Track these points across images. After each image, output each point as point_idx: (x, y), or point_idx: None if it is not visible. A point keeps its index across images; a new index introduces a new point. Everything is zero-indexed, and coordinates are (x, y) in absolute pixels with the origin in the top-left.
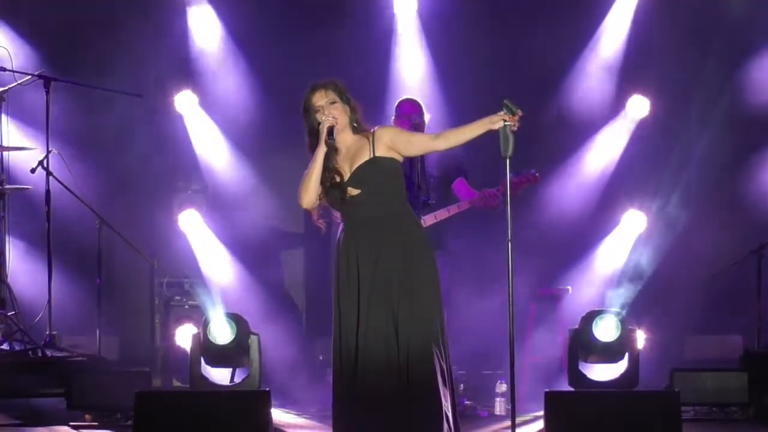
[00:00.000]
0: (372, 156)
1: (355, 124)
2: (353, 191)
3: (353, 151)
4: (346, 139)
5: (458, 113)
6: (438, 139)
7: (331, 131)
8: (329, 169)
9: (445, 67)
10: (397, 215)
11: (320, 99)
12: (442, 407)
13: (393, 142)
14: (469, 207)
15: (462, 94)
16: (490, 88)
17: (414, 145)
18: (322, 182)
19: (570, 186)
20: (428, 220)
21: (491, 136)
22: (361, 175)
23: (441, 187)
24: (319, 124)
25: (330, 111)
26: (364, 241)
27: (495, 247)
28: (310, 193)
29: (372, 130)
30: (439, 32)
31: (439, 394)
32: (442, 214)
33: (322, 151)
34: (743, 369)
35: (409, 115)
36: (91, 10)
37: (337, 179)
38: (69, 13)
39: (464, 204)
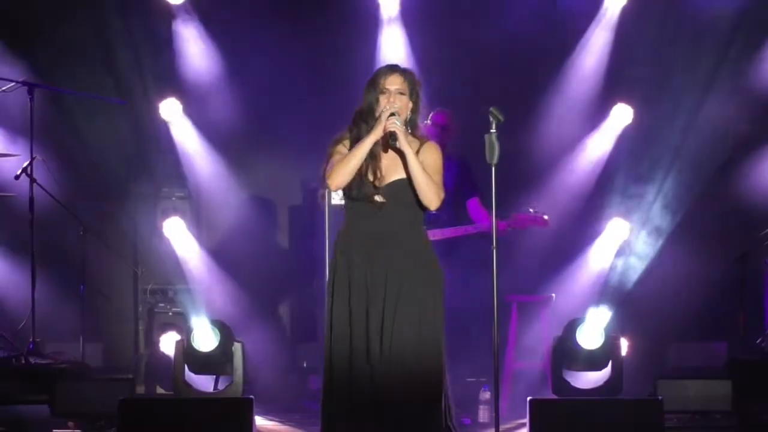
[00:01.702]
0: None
1: (409, 127)
2: (380, 198)
3: (399, 157)
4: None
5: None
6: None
7: (394, 134)
8: (371, 161)
9: (430, 67)
10: (411, 231)
11: (393, 83)
12: (443, 416)
13: (422, 164)
14: (476, 233)
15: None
16: (472, 96)
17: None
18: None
19: (554, 194)
20: (435, 234)
21: (480, 145)
22: (396, 188)
23: (453, 204)
24: (376, 109)
25: (394, 99)
26: (375, 250)
27: (478, 254)
28: (345, 176)
29: (423, 142)
30: (423, 33)
31: (444, 407)
32: (449, 232)
33: (372, 139)
34: (727, 377)
35: (445, 126)
36: (75, 17)
37: (371, 178)
38: (53, 20)
39: (472, 228)
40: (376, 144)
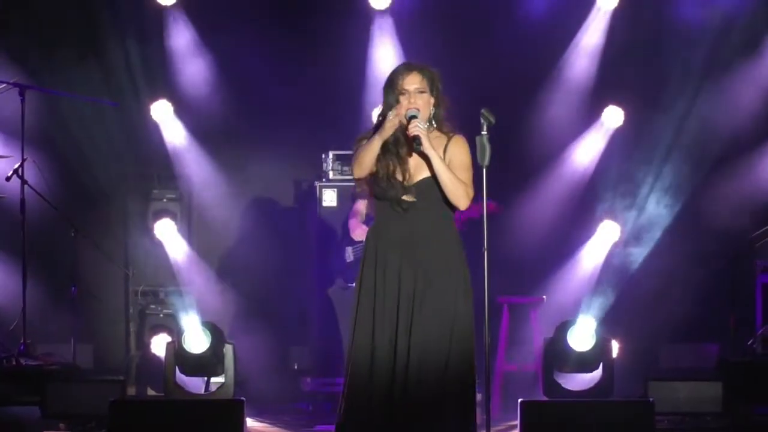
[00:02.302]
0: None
1: (434, 122)
2: (409, 198)
3: (423, 158)
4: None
5: None
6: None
7: (417, 138)
8: (398, 161)
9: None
10: (442, 229)
11: (412, 82)
12: (476, 421)
13: (449, 161)
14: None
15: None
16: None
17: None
18: (377, 172)
19: (546, 195)
20: None
21: (470, 144)
22: (424, 187)
23: None
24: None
25: (415, 99)
26: (405, 250)
27: (470, 254)
28: (364, 169)
29: (450, 136)
30: (414, 34)
31: (476, 407)
32: None
33: (385, 134)
34: (718, 378)
35: None
36: (66, 18)
37: (399, 178)
38: (43, 23)
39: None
40: (401, 145)
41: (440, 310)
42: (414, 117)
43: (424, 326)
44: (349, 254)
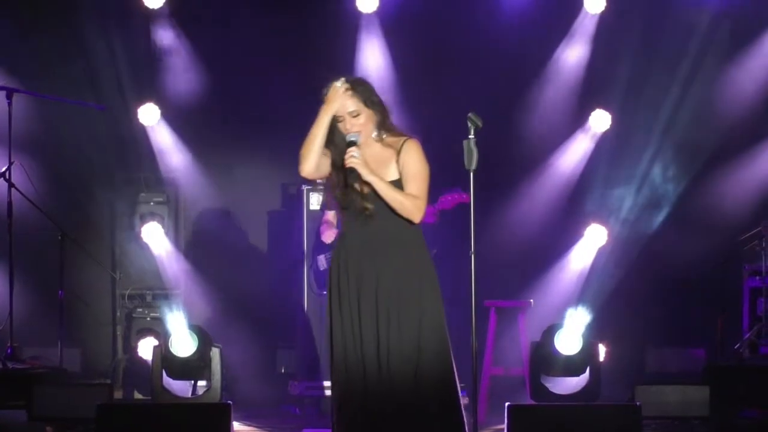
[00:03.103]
0: (398, 177)
1: (383, 132)
2: (369, 205)
3: (378, 161)
4: (371, 148)
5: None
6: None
7: (353, 170)
8: (347, 172)
9: (409, 71)
10: (403, 235)
11: (345, 107)
12: (463, 418)
13: (402, 169)
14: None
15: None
16: (450, 101)
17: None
18: (335, 185)
19: (533, 199)
20: None
21: (457, 148)
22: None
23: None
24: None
25: (352, 124)
26: (367, 256)
27: (456, 258)
28: (310, 161)
29: (402, 141)
30: (401, 38)
31: (461, 404)
32: None
33: (326, 117)
34: (705, 382)
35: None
36: (54, 22)
37: (357, 188)
38: (31, 26)
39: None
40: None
41: (407, 313)
42: (352, 143)
43: (392, 332)
44: (322, 262)
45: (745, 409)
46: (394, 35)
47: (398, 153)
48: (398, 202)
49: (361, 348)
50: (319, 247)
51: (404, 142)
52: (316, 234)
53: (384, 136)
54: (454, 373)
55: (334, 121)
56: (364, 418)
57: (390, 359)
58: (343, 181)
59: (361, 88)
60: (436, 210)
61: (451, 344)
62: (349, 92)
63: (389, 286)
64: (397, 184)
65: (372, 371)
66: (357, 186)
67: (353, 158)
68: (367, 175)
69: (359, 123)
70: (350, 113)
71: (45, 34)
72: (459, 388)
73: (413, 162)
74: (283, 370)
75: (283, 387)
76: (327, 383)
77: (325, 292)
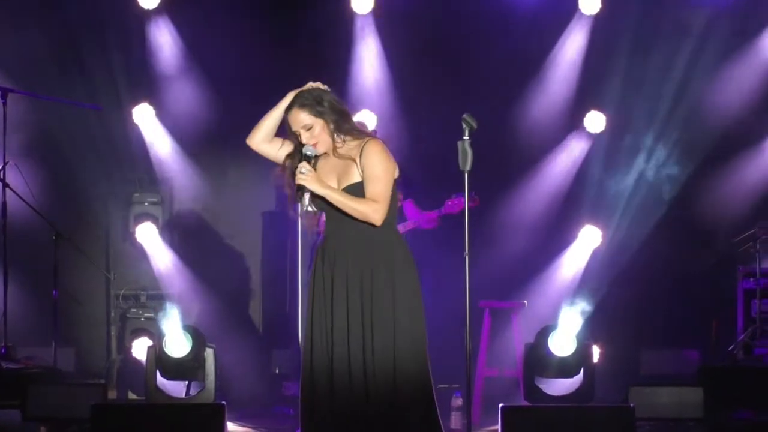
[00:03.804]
0: (360, 179)
1: (342, 136)
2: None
3: (341, 167)
4: (330, 157)
5: (413, 123)
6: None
7: (302, 188)
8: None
9: (402, 75)
10: (380, 234)
11: (297, 123)
12: (439, 420)
13: (362, 171)
14: (414, 227)
15: (418, 105)
16: (445, 102)
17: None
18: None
19: (527, 200)
20: None
21: (452, 149)
22: (350, 194)
23: None
24: (302, 145)
25: (309, 137)
26: (345, 259)
27: (451, 259)
28: (255, 135)
29: (363, 143)
30: (396, 37)
31: (436, 406)
32: None
33: (281, 107)
34: (699, 384)
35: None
36: (48, 21)
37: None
38: (27, 26)
39: (409, 224)
40: (328, 164)
41: (381, 314)
42: (306, 157)
43: (366, 332)
44: None
45: (739, 410)
46: (389, 37)
47: (360, 155)
48: (351, 209)
49: (331, 350)
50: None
51: (365, 144)
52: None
53: (345, 139)
54: (429, 374)
55: (296, 139)
56: (334, 419)
57: (365, 360)
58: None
59: (309, 101)
60: (440, 214)
61: (428, 345)
62: (298, 108)
63: (361, 289)
64: (360, 187)
65: (342, 373)
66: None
67: (301, 175)
68: (318, 190)
69: (315, 134)
70: (303, 127)
71: (40, 34)
72: (434, 390)
73: (372, 164)
74: (277, 371)
75: (278, 387)
76: None
77: None
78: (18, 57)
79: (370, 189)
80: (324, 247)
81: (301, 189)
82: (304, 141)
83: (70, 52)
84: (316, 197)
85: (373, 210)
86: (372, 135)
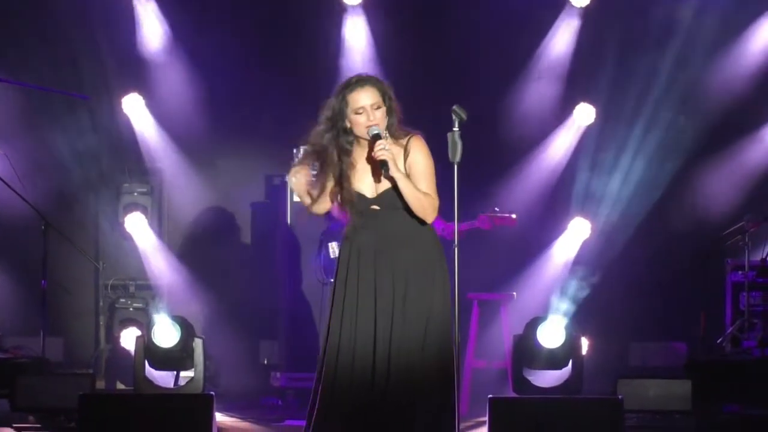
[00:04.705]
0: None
1: (386, 134)
2: (375, 207)
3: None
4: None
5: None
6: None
7: (385, 164)
8: (364, 176)
9: (392, 61)
10: (413, 232)
11: (368, 98)
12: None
13: (409, 167)
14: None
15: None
16: (435, 93)
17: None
18: (340, 182)
19: (516, 192)
20: None
21: (441, 141)
22: (388, 197)
23: None
24: (350, 128)
25: (374, 116)
26: (380, 255)
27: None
28: (309, 206)
29: (408, 139)
30: (386, 26)
31: (455, 404)
32: None
33: (293, 181)
34: (687, 377)
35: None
36: (36, 10)
37: (363, 192)
38: (13, 16)
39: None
40: (364, 159)
41: (416, 312)
42: (378, 136)
43: (401, 328)
44: (334, 250)
45: (726, 403)
46: (379, 28)
47: (405, 150)
48: (418, 200)
49: (367, 341)
50: (329, 234)
51: (410, 139)
52: (329, 220)
53: (388, 137)
54: (453, 373)
55: (343, 122)
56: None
57: (392, 356)
58: (348, 185)
59: (382, 84)
60: (468, 228)
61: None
62: (373, 85)
63: (401, 286)
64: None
65: (380, 368)
66: (364, 190)
67: (384, 150)
68: (394, 171)
69: (378, 117)
70: (372, 105)
71: (27, 22)
72: (456, 390)
73: (423, 160)
74: (265, 362)
75: (266, 378)
76: (309, 375)
77: (332, 280)
78: (5, 45)
79: (425, 185)
80: (358, 242)
81: (385, 165)
82: (362, 121)
83: (59, 41)
84: (350, 195)
85: (432, 206)
86: (414, 132)
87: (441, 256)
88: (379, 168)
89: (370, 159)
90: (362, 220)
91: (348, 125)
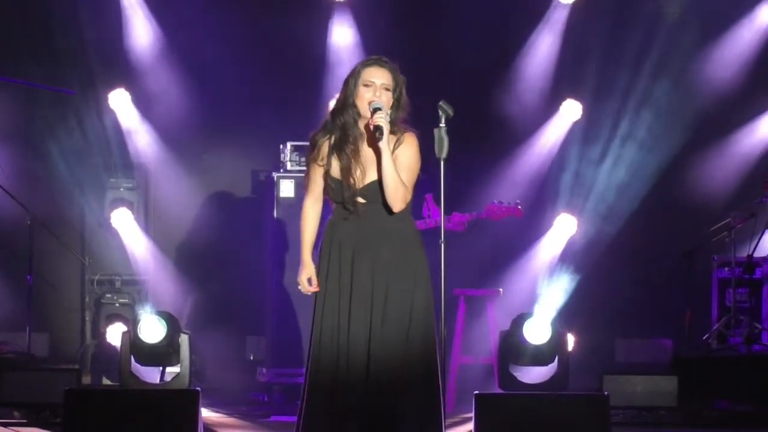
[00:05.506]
0: None
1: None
2: (361, 199)
3: (375, 149)
4: (369, 137)
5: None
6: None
7: (380, 129)
8: (353, 162)
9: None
10: (396, 224)
11: (381, 77)
12: (442, 413)
13: (396, 158)
14: (435, 227)
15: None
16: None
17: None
18: (330, 174)
19: (503, 188)
20: None
21: (428, 137)
22: (372, 189)
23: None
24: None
25: (380, 94)
26: (361, 248)
27: (426, 247)
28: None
29: (402, 134)
30: (373, 25)
31: (441, 400)
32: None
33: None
34: (673, 373)
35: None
36: (23, 5)
37: (350, 181)
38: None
39: (430, 222)
40: (358, 143)
41: (398, 306)
42: (378, 109)
43: (383, 323)
44: None
45: (712, 399)
46: (366, 24)
47: (397, 141)
48: (395, 182)
49: (347, 336)
50: None
51: (403, 133)
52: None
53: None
54: (437, 368)
55: (353, 88)
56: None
57: (375, 351)
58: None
59: (397, 73)
60: (470, 219)
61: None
62: (389, 68)
63: (382, 279)
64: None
65: (352, 359)
66: (352, 178)
67: (381, 118)
68: (384, 143)
69: (384, 99)
70: (382, 85)
71: (13, 17)
72: (441, 384)
73: (409, 154)
74: (252, 357)
75: (252, 374)
76: (295, 370)
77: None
78: None
79: (405, 176)
80: (339, 236)
81: (379, 130)
82: (368, 96)
83: (45, 36)
84: (340, 187)
85: (406, 196)
86: (409, 128)
87: (421, 250)
88: (372, 142)
89: (371, 141)
90: (345, 212)
91: (353, 100)
